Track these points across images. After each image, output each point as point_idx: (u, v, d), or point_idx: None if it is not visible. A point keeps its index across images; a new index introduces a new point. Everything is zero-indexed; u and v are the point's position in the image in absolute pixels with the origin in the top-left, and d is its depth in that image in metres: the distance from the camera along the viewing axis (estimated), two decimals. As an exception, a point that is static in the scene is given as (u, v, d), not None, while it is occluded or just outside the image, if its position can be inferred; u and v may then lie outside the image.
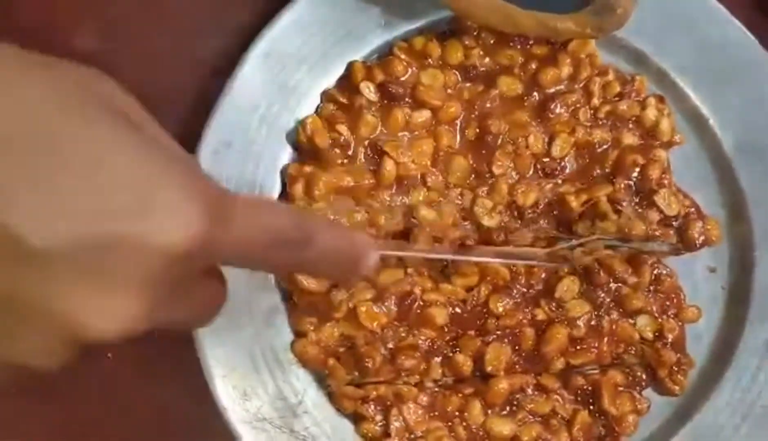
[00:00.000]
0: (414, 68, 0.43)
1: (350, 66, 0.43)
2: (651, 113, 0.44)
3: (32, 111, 0.19)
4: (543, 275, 0.42)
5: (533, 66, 0.44)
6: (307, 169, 0.41)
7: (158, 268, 0.20)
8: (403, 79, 0.43)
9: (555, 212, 0.43)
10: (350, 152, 0.42)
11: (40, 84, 0.20)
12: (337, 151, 0.41)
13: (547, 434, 0.41)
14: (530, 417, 0.41)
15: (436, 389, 0.41)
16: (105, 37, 0.44)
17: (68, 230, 0.19)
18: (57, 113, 0.19)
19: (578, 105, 0.44)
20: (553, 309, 0.42)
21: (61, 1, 0.44)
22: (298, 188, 0.41)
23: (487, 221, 0.42)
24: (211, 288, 0.25)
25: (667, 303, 0.43)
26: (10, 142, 0.19)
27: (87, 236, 0.19)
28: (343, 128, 0.41)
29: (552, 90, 0.44)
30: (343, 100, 0.42)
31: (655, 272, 0.42)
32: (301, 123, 0.41)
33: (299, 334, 0.40)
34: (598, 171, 0.43)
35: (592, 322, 0.42)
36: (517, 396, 0.41)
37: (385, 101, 0.42)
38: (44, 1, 0.44)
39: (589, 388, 0.41)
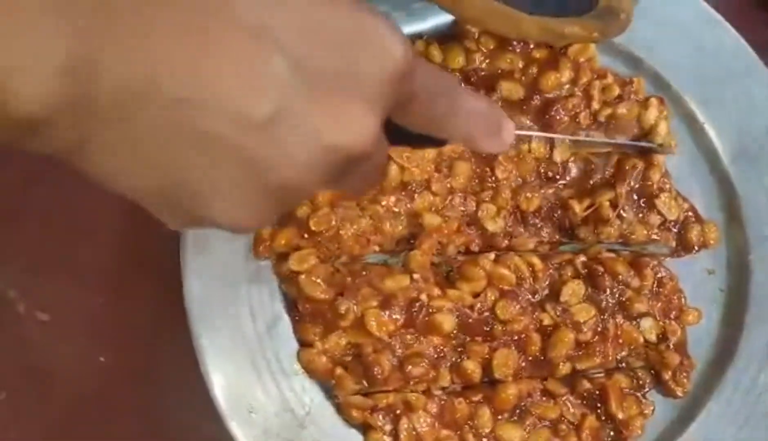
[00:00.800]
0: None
1: (351, 69, 0.42)
2: (651, 115, 0.44)
3: None
4: (548, 279, 0.42)
5: (534, 70, 0.44)
6: (309, 174, 0.40)
7: (388, 85, 0.23)
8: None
9: (557, 216, 0.43)
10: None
11: None
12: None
13: (557, 439, 0.40)
14: (539, 422, 0.41)
15: (444, 397, 0.40)
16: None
17: (326, 58, 0.21)
18: None
19: (578, 109, 0.44)
20: (559, 313, 0.41)
21: None
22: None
23: (491, 226, 0.42)
24: (386, 149, 0.26)
25: (669, 305, 0.43)
26: None
27: (340, 61, 0.22)
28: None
29: (553, 94, 0.44)
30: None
31: (656, 275, 0.43)
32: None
33: (305, 344, 0.39)
34: (599, 176, 0.44)
35: (598, 327, 0.42)
36: (525, 401, 0.41)
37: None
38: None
39: (596, 392, 0.41)
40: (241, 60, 0.20)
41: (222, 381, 0.38)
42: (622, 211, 0.43)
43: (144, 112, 0.20)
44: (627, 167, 0.44)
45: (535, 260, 0.42)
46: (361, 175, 0.25)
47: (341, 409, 0.39)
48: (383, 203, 0.40)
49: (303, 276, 0.39)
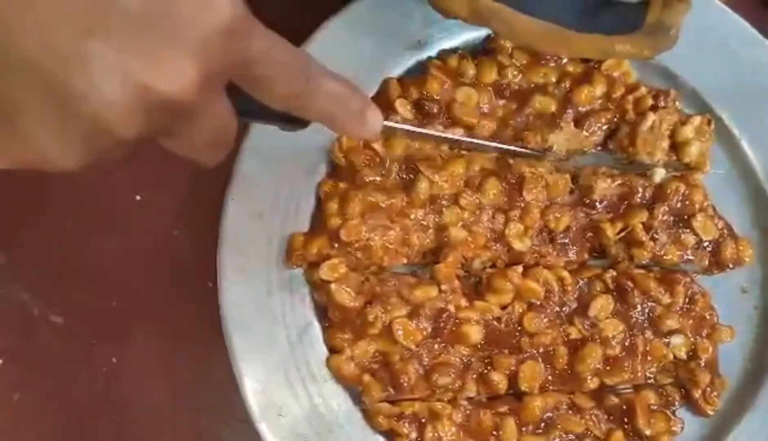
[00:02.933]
0: (449, 86, 0.43)
1: (385, 83, 0.43)
2: (688, 131, 0.44)
3: None
4: (576, 293, 0.42)
5: (567, 84, 0.44)
6: (342, 186, 0.41)
7: (210, 38, 0.23)
8: (437, 96, 0.43)
9: (587, 238, 0.43)
10: (384, 170, 0.42)
11: None
12: (372, 168, 0.42)
13: (582, 454, 0.40)
14: (564, 436, 0.41)
15: (470, 407, 0.41)
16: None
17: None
18: None
19: (610, 125, 0.44)
20: (587, 327, 0.42)
21: None
22: (333, 205, 0.41)
23: (518, 245, 0.42)
24: (230, 116, 0.26)
25: (701, 323, 0.43)
26: None
27: (159, 6, 0.22)
28: (377, 146, 0.42)
29: (586, 108, 0.44)
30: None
31: (688, 292, 0.42)
32: (337, 140, 0.42)
33: (334, 350, 0.40)
34: (638, 198, 0.43)
35: (626, 342, 0.42)
36: (551, 414, 0.41)
37: (421, 119, 0.43)
38: None
39: (623, 407, 0.41)
40: None
41: (253, 384, 0.39)
42: (655, 235, 0.43)
43: None
44: (669, 190, 0.43)
45: (564, 274, 0.42)
46: (195, 136, 0.26)
47: (368, 416, 0.40)
48: (412, 216, 0.41)
49: (333, 285, 0.40)
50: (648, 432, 0.41)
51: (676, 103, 0.45)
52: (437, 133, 0.42)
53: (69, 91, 0.22)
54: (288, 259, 0.40)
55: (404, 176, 0.42)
